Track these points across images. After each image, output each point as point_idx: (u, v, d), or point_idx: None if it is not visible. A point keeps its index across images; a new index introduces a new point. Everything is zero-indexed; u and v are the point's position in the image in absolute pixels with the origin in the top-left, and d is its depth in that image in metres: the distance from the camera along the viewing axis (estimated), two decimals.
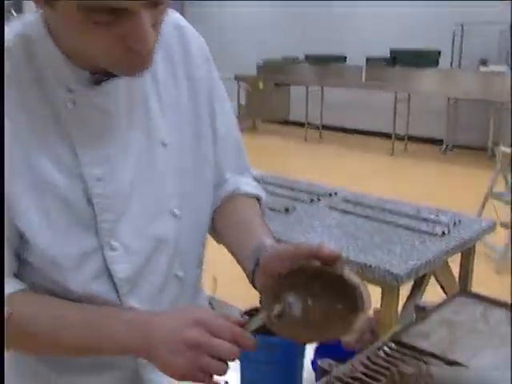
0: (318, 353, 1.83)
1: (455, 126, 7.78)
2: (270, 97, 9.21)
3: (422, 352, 1.17)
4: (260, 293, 0.77)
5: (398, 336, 1.24)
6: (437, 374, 0.67)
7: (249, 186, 0.98)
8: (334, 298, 0.73)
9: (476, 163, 6.94)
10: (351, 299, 0.72)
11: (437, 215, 2.05)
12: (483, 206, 3.77)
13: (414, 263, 1.68)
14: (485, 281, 2.14)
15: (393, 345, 1.20)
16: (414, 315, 1.40)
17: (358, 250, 1.78)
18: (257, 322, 0.73)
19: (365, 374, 1.08)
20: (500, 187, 3.87)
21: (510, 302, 1.43)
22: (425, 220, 2.02)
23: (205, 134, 0.91)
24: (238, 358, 0.74)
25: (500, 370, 1.14)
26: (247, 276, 0.86)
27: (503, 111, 7.12)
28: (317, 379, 1.13)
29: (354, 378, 1.07)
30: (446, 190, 5.59)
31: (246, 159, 1.02)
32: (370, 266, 1.67)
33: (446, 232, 1.90)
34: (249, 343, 0.72)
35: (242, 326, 0.73)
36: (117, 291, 0.81)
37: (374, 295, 1.53)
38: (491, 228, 2.03)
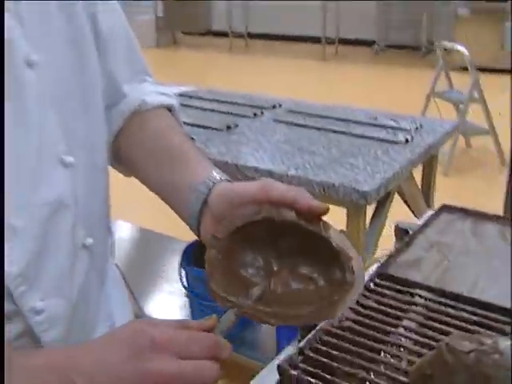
0: None
1: (386, 25, 7.56)
2: (189, 6, 8.61)
3: (416, 285, 0.99)
4: (210, 247, 0.56)
5: (385, 268, 1.05)
6: (508, 349, 0.47)
7: (155, 95, 0.75)
8: (315, 265, 0.55)
9: (410, 62, 6.82)
10: (337, 269, 0.54)
11: (395, 121, 1.85)
12: (426, 106, 3.64)
13: (382, 177, 1.49)
14: (438, 187, 2.01)
15: (380, 280, 1.01)
16: (394, 239, 1.22)
17: (316, 168, 1.56)
18: (228, 320, 0.52)
19: (356, 322, 0.89)
20: (441, 86, 3.73)
21: (496, 214, 1.27)
22: (384, 127, 1.82)
23: (86, 43, 0.65)
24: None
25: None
26: (185, 220, 0.64)
27: (436, 6, 6.92)
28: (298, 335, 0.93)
29: (345, 329, 0.88)
30: (383, 91, 5.45)
31: (143, 61, 0.78)
32: (333, 184, 1.46)
33: (410, 139, 1.72)
34: (227, 353, 0.50)
35: (211, 330, 0.51)
36: (10, 293, 0.55)
37: (336, 216, 1.32)
38: (455, 130, 1.86)
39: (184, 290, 2.11)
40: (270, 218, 0.54)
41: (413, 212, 1.88)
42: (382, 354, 0.86)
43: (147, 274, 2.30)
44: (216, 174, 0.63)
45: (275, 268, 0.55)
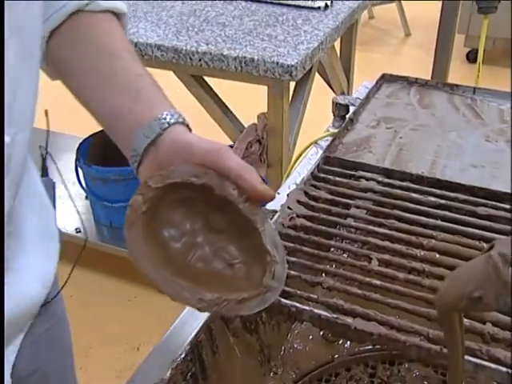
0: None
1: None
2: None
3: (373, 169, 0.85)
4: (138, 193, 0.49)
5: (331, 151, 0.90)
6: None
7: None
8: (239, 252, 0.51)
9: None
10: (260, 267, 0.50)
11: None
12: None
13: (306, 47, 1.30)
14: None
15: (329, 166, 0.86)
16: (332, 115, 1.06)
17: (229, 41, 1.34)
18: None
19: (309, 218, 0.75)
20: None
21: (441, 81, 1.14)
22: None
23: None
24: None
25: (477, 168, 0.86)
26: (125, 152, 0.55)
27: None
28: None
29: (297, 228, 0.73)
30: None
31: None
32: (252, 59, 1.26)
33: (329, 3, 1.52)
34: None
35: None
36: None
37: (254, 97, 1.10)
38: None
39: (83, 192, 1.89)
40: (210, 186, 0.48)
41: (331, 88, 1.73)
42: (346, 254, 0.74)
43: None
44: (171, 113, 0.53)
45: (199, 240, 0.50)
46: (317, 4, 1.51)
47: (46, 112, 1.94)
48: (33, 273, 0.59)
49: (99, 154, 1.76)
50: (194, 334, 0.63)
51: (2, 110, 0.49)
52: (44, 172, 2.01)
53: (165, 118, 0.52)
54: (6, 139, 0.51)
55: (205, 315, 0.64)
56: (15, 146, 0.53)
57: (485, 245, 0.68)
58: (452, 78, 1.77)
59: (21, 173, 0.59)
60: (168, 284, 0.47)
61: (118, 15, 0.62)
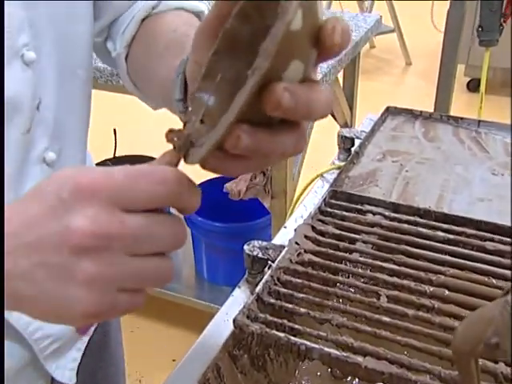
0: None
1: None
2: None
3: (380, 203, 0.85)
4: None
5: (338, 185, 0.90)
6: None
7: None
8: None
9: None
10: None
11: None
12: (330, 3, 3.45)
13: None
14: None
15: (335, 200, 0.86)
16: (338, 147, 1.06)
17: None
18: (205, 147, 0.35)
19: (317, 254, 0.75)
20: None
21: (446, 114, 1.15)
22: None
23: None
24: None
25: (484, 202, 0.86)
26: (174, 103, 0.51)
27: None
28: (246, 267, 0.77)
29: (305, 263, 0.73)
30: None
31: None
32: None
33: None
34: (197, 202, 0.37)
35: (175, 163, 0.36)
36: None
37: None
38: (378, 23, 1.70)
39: None
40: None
41: (335, 119, 1.74)
42: (352, 289, 0.73)
43: None
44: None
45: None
46: None
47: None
48: None
49: None
50: (201, 371, 0.62)
51: (1, 110, 0.50)
52: None
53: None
54: (51, 155, 0.53)
55: (213, 352, 0.64)
56: (62, 162, 0.55)
57: (494, 281, 0.68)
58: (453, 107, 1.79)
59: None
60: None
61: (196, 14, 0.63)
